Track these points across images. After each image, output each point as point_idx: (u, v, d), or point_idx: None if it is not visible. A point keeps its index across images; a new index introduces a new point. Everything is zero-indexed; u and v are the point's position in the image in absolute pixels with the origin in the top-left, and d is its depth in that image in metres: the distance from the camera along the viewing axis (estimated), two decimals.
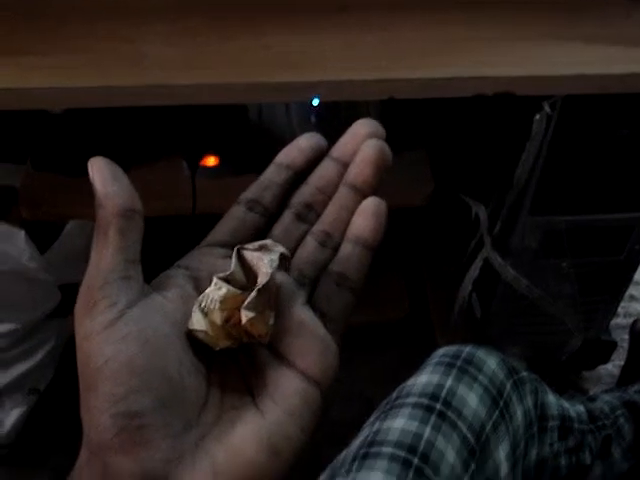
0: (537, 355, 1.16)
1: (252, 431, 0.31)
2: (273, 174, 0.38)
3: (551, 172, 0.90)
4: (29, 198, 1.06)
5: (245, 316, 0.31)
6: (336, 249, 0.37)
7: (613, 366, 1.31)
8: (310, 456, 0.35)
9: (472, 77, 0.66)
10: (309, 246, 0.37)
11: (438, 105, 1.03)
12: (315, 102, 0.96)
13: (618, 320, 1.36)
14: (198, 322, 0.32)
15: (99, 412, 0.29)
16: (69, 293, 1.15)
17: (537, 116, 0.86)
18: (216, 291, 0.31)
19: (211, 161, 1.04)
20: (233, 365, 0.33)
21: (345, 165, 0.37)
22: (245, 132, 1.03)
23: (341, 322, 0.35)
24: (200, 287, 0.34)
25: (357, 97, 0.67)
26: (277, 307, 0.33)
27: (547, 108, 0.85)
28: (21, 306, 1.07)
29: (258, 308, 0.31)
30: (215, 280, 0.32)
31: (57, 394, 1.19)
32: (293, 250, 0.36)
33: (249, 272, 0.33)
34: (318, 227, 0.37)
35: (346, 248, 0.36)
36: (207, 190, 1.02)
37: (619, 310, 1.31)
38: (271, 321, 0.32)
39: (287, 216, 0.37)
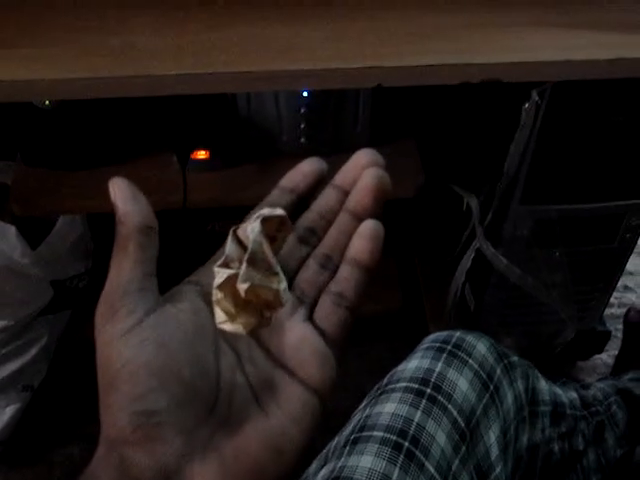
0: (531, 345, 1.16)
1: (257, 431, 0.34)
2: (277, 197, 0.40)
3: (541, 161, 0.90)
4: (20, 194, 1.05)
5: (242, 290, 0.32)
6: (336, 271, 0.38)
7: (608, 356, 1.31)
8: None
9: (458, 64, 0.66)
10: (311, 267, 0.39)
11: (427, 94, 1.04)
12: (304, 93, 0.96)
13: (612, 310, 1.37)
14: (218, 316, 0.33)
15: (118, 410, 0.32)
16: (61, 289, 1.16)
17: (526, 105, 0.86)
18: (217, 280, 0.33)
19: (201, 154, 1.04)
20: (241, 372, 0.36)
21: (346, 193, 0.39)
22: (234, 125, 1.03)
23: (340, 338, 0.37)
24: (210, 302, 0.35)
25: (346, 85, 0.67)
26: (280, 267, 0.33)
27: (536, 96, 0.85)
28: (13, 302, 1.07)
29: (253, 278, 0.32)
30: (215, 270, 0.33)
31: (51, 391, 1.19)
32: (295, 271, 0.39)
33: (244, 248, 0.34)
34: (319, 250, 0.39)
35: (344, 270, 0.38)
36: (198, 183, 1.02)
37: (613, 300, 1.32)
38: (275, 285, 0.32)
39: (291, 239, 0.39)
